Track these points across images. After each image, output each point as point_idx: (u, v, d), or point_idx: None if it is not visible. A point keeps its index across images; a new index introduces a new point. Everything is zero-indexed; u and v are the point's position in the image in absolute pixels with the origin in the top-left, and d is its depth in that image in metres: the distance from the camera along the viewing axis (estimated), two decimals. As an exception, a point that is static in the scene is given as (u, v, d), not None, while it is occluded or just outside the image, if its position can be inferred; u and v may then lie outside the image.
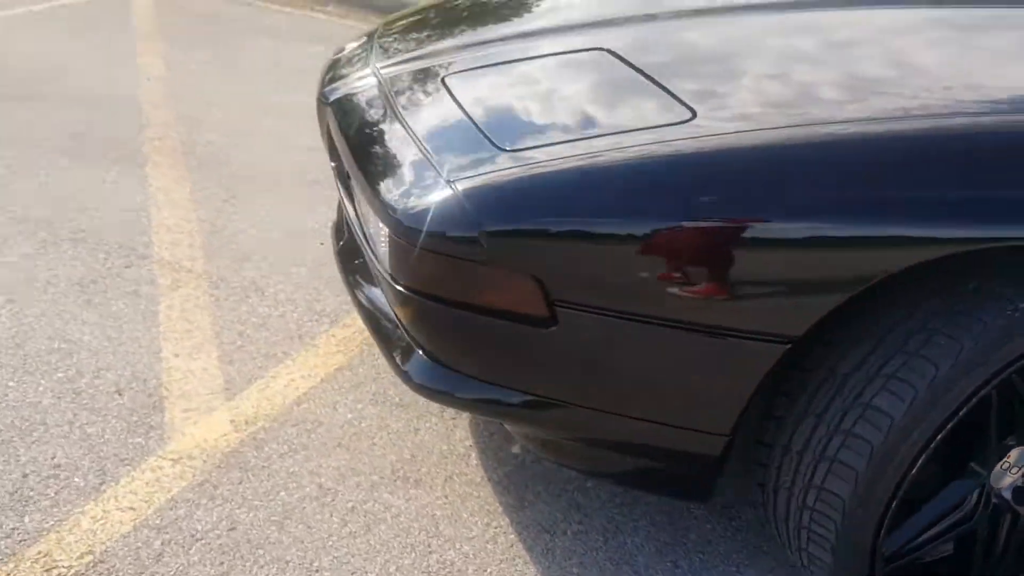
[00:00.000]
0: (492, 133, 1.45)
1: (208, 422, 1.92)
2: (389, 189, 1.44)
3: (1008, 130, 1.31)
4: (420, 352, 1.51)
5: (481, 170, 1.36)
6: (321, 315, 2.40)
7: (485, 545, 1.69)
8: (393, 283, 1.45)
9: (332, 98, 1.81)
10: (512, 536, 1.73)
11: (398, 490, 1.79)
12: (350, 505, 1.75)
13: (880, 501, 1.36)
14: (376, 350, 2.22)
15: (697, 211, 1.27)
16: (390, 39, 2.00)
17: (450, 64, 1.75)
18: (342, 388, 2.11)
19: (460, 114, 1.54)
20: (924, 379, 1.29)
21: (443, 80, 1.68)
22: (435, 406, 2.05)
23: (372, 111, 1.68)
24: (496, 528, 1.74)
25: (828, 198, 1.26)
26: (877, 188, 1.26)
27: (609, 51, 1.68)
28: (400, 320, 1.53)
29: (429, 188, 1.38)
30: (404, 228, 1.37)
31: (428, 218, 1.34)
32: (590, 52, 1.71)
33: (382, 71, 1.80)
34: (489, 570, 1.64)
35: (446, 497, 1.79)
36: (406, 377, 1.52)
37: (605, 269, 1.31)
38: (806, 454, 1.39)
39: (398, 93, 1.69)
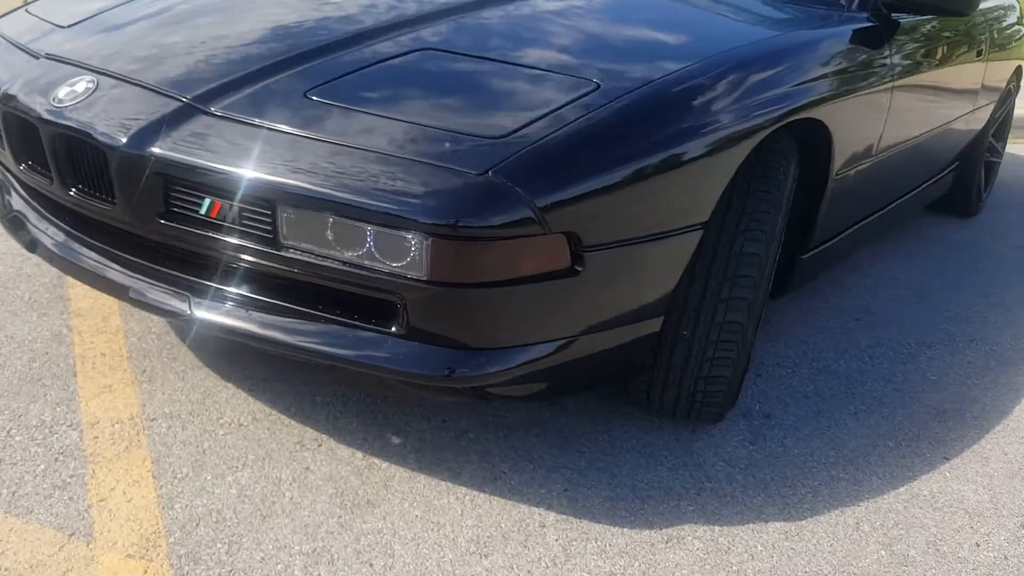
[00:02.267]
0: (467, 127, 1.57)
1: None
2: (415, 201, 1.47)
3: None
4: (463, 349, 1.59)
5: (502, 156, 1.51)
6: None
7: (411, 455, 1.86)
8: (435, 286, 1.50)
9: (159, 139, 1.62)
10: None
11: None
12: None
13: (758, 311, 1.99)
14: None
15: (661, 145, 1.67)
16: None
17: (289, 82, 1.72)
18: (188, 472, 1.90)
19: (407, 123, 1.59)
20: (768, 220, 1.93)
21: (309, 97, 1.67)
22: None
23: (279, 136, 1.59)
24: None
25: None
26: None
27: (423, 49, 1.86)
28: (437, 324, 1.57)
29: (469, 187, 1.47)
30: (454, 228, 1.45)
31: (482, 211, 1.46)
32: (415, 54, 1.85)
33: (218, 108, 1.67)
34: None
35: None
36: (454, 379, 1.58)
37: (625, 207, 1.62)
38: (705, 304, 1.92)
39: (278, 117, 1.62)
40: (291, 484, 1.83)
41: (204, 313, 1.66)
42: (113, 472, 1.80)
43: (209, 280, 1.69)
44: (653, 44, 2.01)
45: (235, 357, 2.26)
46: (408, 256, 1.49)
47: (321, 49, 1.81)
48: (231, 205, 1.57)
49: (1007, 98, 4.28)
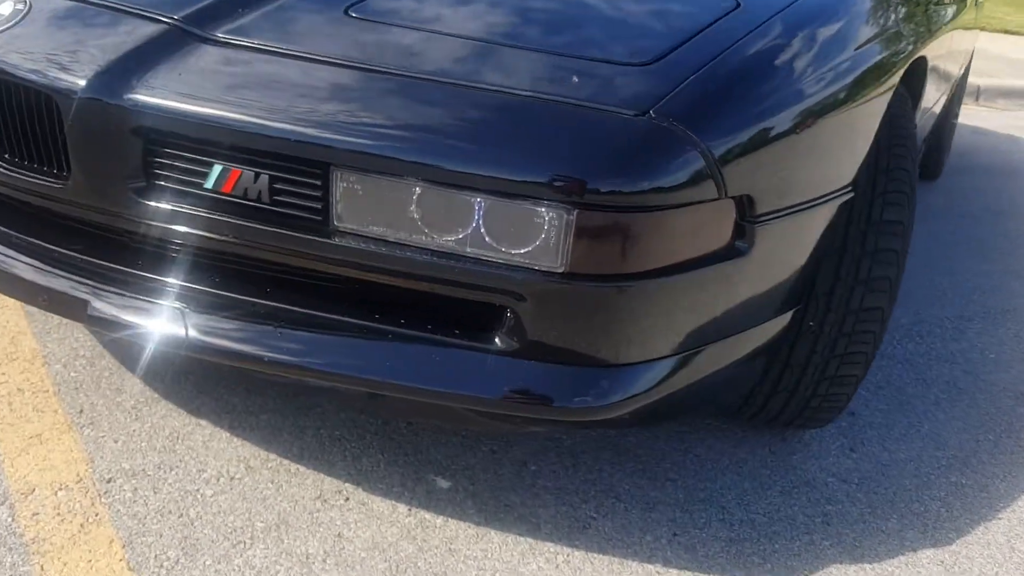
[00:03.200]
0: (598, 51, 1.11)
1: None
2: (535, 154, 1.01)
3: None
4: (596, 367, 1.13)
5: (663, 90, 1.06)
6: None
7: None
8: (574, 281, 1.04)
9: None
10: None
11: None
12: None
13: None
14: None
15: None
16: None
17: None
18: (178, 556, 1.37)
19: (509, 48, 1.12)
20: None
21: (351, 14, 1.16)
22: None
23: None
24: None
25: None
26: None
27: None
28: (566, 335, 1.11)
29: (627, 133, 1.02)
30: (607, 194, 0.99)
31: (652, 167, 1.01)
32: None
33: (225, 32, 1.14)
34: None
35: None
36: (590, 411, 1.13)
37: (793, 161, 1.20)
38: (838, 288, 1.53)
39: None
40: (324, 561, 1.33)
41: (208, 335, 1.14)
42: (70, 566, 1.25)
43: (215, 287, 1.17)
44: None
45: (202, 381, 1.72)
46: (537, 239, 1.02)
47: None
48: (256, 174, 1.06)
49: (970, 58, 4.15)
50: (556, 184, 0.99)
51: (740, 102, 1.12)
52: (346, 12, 1.17)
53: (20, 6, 1.17)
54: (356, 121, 1.02)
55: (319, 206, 1.06)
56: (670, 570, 1.42)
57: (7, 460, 1.45)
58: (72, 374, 1.72)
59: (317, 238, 1.07)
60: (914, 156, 1.58)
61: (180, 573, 1.27)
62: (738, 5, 1.29)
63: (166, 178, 1.09)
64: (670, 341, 1.20)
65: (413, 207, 1.03)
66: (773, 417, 1.71)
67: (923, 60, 1.78)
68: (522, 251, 1.03)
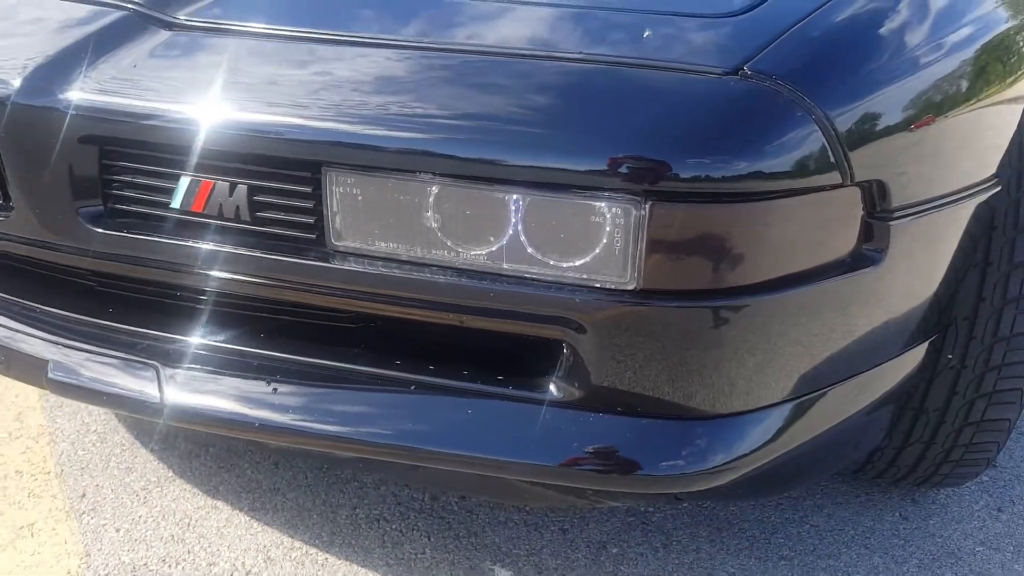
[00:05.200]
0: (677, 7, 0.86)
1: None
2: (587, 133, 0.75)
3: None
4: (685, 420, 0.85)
5: (761, 39, 0.79)
6: None
7: None
8: (650, 301, 0.77)
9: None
10: None
11: None
12: None
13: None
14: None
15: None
16: None
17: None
18: None
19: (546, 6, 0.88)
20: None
21: None
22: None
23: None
24: None
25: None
26: None
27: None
28: (642, 379, 0.83)
29: (710, 98, 0.75)
30: (693, 180, 0.72)
31: (749, 140, 0.74)
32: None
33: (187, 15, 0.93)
34: None
35: None
36: (680, 478, 0.83)
37: (934, 143, 0.91)
38: (982, 310, 1.22)
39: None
40: None
41: (188, 395, 0.90)
42: None
43: (194, 336, 0.93)
44: None
45: (224, 455, 1.48)
46: (597, 244, 0.75)
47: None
48: (232, 185, 0.82)
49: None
50: (619, 169, 0.72)
51: (863, 58, 0.84)
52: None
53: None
54: (351, 108, 0.78)
55: (311, 220, 0.81)
56: None
57: (-14, 558, 1.23)
58: (80, 452, 1.50)
59: (311, 262, 0.82)
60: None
61: None
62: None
63: (123, 199, 0.87)
64: (784, 382, 0.91)
65: (429, 212, 0.77)
66: (902, 476, 1.39)
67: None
68: (577, 263, 0.76)
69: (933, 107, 0.91)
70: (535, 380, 0.85)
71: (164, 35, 0.88)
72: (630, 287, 0.76)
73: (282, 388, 0.89)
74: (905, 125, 0.88)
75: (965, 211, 1.07)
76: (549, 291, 0.77)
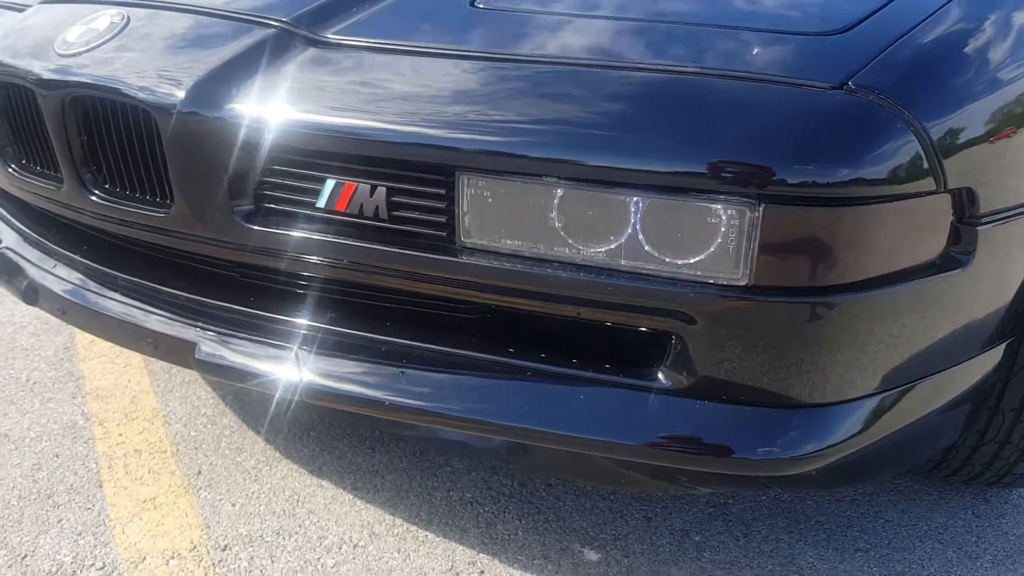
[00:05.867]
0: (773, 21, 0.93)
1: None
2: (702, 140, 0.82)
3: None
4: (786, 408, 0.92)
5: (865, 55, 0.85)
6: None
7: None
8: (761, 296, 0.84)
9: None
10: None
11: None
12: None
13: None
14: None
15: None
16: None
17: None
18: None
19: (666, 24, 0.95)
20: None
21: (478, 5, 1.02)
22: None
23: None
24: None
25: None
26: None
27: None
28: (748, 369, 0.90)
29: (818, 109, 0.82)
30: (802, 185, 0.79)
31: (852, 149, 0.80)
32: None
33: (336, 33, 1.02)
34: None
35: None
36: (774, 462, 0.90)
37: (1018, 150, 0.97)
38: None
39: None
40: (463, 646, 1.14)
41: (323, 378, 0.99)
42: (178, 647, 1.11)
43: (331, 323, 1.02)
44: None
45: (325, 439, 1.58)
46: (712, 243, 0.83)
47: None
48: (372, 188, 0.91)
49: None
50: (734, 173, 0.79)
51: (955, 73, 0.90)
52: (472, 4, 1.02)
53: (116, 20, 1.08)
54: (483, 118, 0.87)
55: (443, 219, 0.90)
56: None
57: (118, 526, 1.34)
58: (192, 433, 1.62)
59: (443, 257, 0.91)
60: None
61: (296, 656, 1.11)
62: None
63: (275, 199, 0.96)
64: (874, 376, 0.97)
65: (554, 213, 0.85)
66: (976, 474, 1.43)
67: None
68: (692, 260, 0.84)
69: (1016, 119, 0.97)
70: (643, 369, 0.93)
71: (311, 52, 0.97)
72: (742, 283, 0.83)
73: (408, 372, 0.98)
74: (991, 136, 0.93)
75: None
76: (664, 286, 0.85)
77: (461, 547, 1.33)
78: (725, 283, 0.84)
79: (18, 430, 1.60)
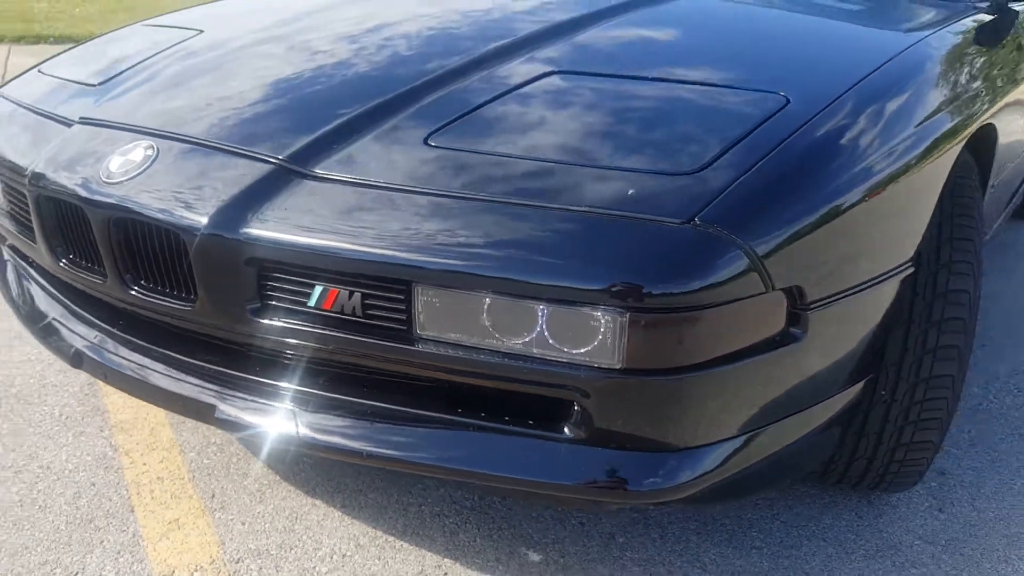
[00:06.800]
0: (646, 163, 1.24)
1: None
2: (599, 265, 1.13)
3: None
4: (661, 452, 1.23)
5: (705, 198, 1.17)
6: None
7: None
8: (631, 376, 1.15)
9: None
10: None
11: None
12: None
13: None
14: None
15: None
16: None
17: (401, 127, 1.37)
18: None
19: (565, 165, 1.26)
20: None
21: (431, 144, 1.33)
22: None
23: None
24: None
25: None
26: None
27: (557, 72, 1.53)
28: (630, 424, 1.21)
29: (671, 240, 1.13)
30: (657, 297, 1.10)
31: (697, 270, 1.11)
32: (546, 79, 1.51)
33: (321, 168, 1.32)
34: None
35: None
36: (659, 492, 1.22)
37: (846, 248, 1.29)
38: (907, 357, 1.58)
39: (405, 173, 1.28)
40: (428, 633, 1.45)
41: (315, 432, 1.30)
42: (206, 641, 1.42)
43: (321, 389, 1.33)
44: (830, 47, 1.69)
45: (318, 463, 1.89)
46: (595, 339, 1.14)
47: (432, 83, 1.48)
48: (350, 292, 1.22)
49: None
50: (609, 291, 1.10)
51: (785, 200, 1.21)
52: (425, 142, 1.33)
53: (149, 152, 1.38)
54: (433, 243, 1.17)
55: (404, 317, 1.20)
56: None
57: (149, 544, 1.65)
58: (205, 461, 1.92)
59: (403, 345, 1.21)
60: (979, 225, 1.62)
61: (299, 645, 1.42)
62: (788, 101, 1.39)
63: (276, 299, 1.27)
64: (734, 422, 1.29)
65: (484, 315, 1.16)
66: (856, 482, 1.75)
67: (991, 127, 1.81)
68: (583, 351, 1.15)
69: (844, 228, 1.29)
70: (556, 425, 1.24)
71: (304, 184, 1.27)
72: (618, 367, 1.15)
73: (380, 426, 1.29)
74: (819, 244, 1.25)
75: (887, 288, 1.44)
76: (563, 368, 1.16)
77: (430, 553, 1.64)
78: (606, 367, 1.15)
79: (58, 462, 1.90)
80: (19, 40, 7.17)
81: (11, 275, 1.87)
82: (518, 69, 1.53)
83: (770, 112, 1.35)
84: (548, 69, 1.53)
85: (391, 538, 1.68)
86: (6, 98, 1.83)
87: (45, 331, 1.65)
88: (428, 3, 2.00)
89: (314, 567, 1.60)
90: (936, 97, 1.52)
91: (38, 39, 7.15)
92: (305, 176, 1.29)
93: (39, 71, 1.97)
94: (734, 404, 1.26)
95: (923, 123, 1.46)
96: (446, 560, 1.63)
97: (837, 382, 1.46)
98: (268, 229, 1.24)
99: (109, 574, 1.56)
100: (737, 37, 1.79)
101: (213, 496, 1.80)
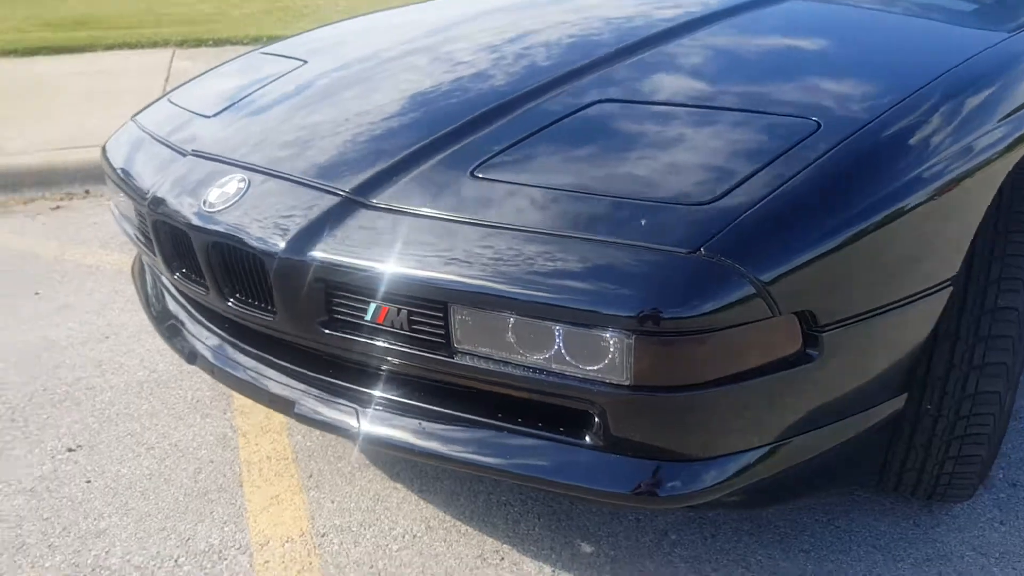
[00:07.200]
0: (666, 194, 1.35)
1: None
2: (609, 291, 1.24)
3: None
4: (674, 461, 1.34)
5: (713, 228, 1.26)
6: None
7: None
8: (639, 392, 1.27)
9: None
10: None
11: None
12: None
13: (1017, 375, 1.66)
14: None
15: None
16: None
17: (451, 160, 1.53)
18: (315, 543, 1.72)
19: (590, 196, 1.38)
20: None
21: (476, 175, 1.48)
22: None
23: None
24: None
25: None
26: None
27: (607, 100, 1.65)
28: (642, 435, 1.33)
29: (676, 269, 1.23)
30: (660, 321, 1.21)
31: (695, 298, 1.21)
32: (590, 108, 1.63)
33: (380, 200, 1.49)
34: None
35: None
36: (670, 500, 1.33)
37: (867, 273, 1.35)
38: (952, 373, 1.60)
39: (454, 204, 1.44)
40: (477, 611, 1.62)
41: (373, 427, 1.49)
42: (287, 604, 1.64)
43: (378, 391, 1.51)
44: (866, 68, 1.72)
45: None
46: (605, 358, 1.26)
47: (483, 117, 1.62)
48: (398, 310, 1.39)
49: None
50: (615, 315, 1.22)
51: (797, 229, 1.28)
52: (470, 174, 1.48)
53: (242, 185, 1.60)
54: (466, 268, 1.32)
55: (442, 332, 1.36)
56: None
57: (251, 517, 1.89)
58: (308, 443, 2.16)
59: (444, 356, 1.37)
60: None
61: (366, 613, 1.62)
62: (819, 127, 1.45)
63: (340, 313, 1.45)
64: (756, 435, 1.37)
65: (509, 333, 1.30)
66: (911, 491, 1.77)
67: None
68: (595, 368, 1.27)
69: (858, 256, 1.34)
70: (583, 432, 1.37)
71: (364, 213, 1.45)
72: (626, 383, 1.26)
73: (427, 426, 1.45)
74: (830, 272, 1.31)
75: (920, 308, 1.47)
76: (579, 383, 1.28)
77: (491, 539, 1.81)
78: (616, 383, 1.26)
79: (185, 441, 2.19)
80: (182, 44, 7.76)
81: (148, 278, 2.17)
82: (565, 97, 1.65)
83: (795, 140, 1.41)
84: (591, 99, 1.65)
85: (458, 522, 1.86)
86: (138, 125, 2.11)
87: (169, 331, 1.92)
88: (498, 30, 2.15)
89: (387, 545, 1.80)
90: (969, 131, 1.52)
91: (199, 43, 7.73)
92: (365, 206, 1.47)
93: (168, 100, 2.24)
94: (753, 418, 1.35)
95: (958, 150, 1.48)
96: (505, 546, 1.78)
97: (872, 396, 1.51)
98: (331, 253, 1.42)
99: (215, 541, 1.82)
100: (787, 53, 1.84)
101: (311, 476, 2.03)
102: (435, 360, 1.39)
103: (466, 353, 1.36)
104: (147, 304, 2.08)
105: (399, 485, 1.99)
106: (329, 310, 1.46)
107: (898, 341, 1.47)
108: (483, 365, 1.35)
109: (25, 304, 3.04)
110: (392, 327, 1.41)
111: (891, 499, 1.91)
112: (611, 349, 1.25)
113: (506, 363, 1.33)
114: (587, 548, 1.78)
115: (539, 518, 1.87)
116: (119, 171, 1.98)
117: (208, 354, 1.76)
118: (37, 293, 3.14)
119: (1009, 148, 1.53)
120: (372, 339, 1.43)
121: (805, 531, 1.83)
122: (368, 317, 1.42)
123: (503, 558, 1.75)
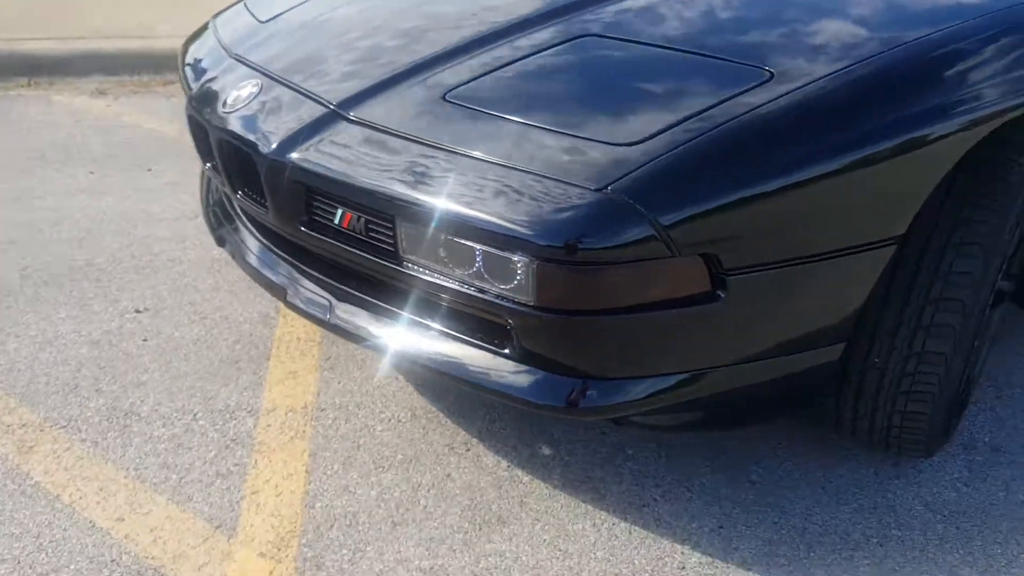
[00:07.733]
0: (600, 133, 1.43)
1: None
2: (520, 218, 1.36)
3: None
4: (582, 378, 1.47)
5: (625, 169, 1.35)
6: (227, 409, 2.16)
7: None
8: (544, 312, 1.39)
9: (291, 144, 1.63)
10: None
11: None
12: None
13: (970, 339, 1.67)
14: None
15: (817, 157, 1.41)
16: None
17: (433, 80, 1.66)
18: (338, 469, 1.95)
19: (536, 128, 1.48)
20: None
21: (447, 100, 1.60)
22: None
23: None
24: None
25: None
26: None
27: (593, 35, 1.72)
28: (550, 351, 1.47)
29: (581, 204, 1.33)
30: (570, 250, 1.32)
31: (596, 232, 1.32)
32: (572, 42, 1.71)
33: (356, 114, 1.64)
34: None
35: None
36: (574, 411, 1.47)
37: (773, 225, 1.40)
38: (901, 330, 1.62)
39: (410, 120, 1.57)
40: (428, 491, 1.82)
41: (341, 318, 1.68)
42: (272, 464, 1.90)
43: (348, 287, 1.70)
44: (849, 20, 1.70)
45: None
46: (515, 279, 1.39)
47: (476, 41, 1.73)
48: (358, 217, 1.55)
49: None
50: (524, 241, 1.33)
51: (707, 179, 1.34)
52: (443, 98, 1.60)
53: (254, 89, 1.78)
54: (408, 186, 1.46)
55: (392, 242, 1.52)
56: (696, 552, 1.68)
57: (268, 387, 2.16)
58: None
59: (394, 264, 1.53)
60: (1004, 209, 1.58)
61: (335, 480, 1.85)
62: (771, 76, 1.48)
63: (315, 214, 1.63)
64: (666, 362, 1.48)
65: (441, 248, 1.45)
66: (866, 439, 1.81)
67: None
68: (506, 287, 1.40)
69: (773, 207, 1.39)
70: (504, 344, 1.51)
71: (343, 125, 1.61)
72: (531, 304, 1.38)
73: (386, 322, 1.64)
74: (740, 218, 1.36)
75: (868, 261, 1.51)
76: (497, 300, 1.42)
77: (464, 432, 1.99)
78: (523, 302, 1.39)
79: (235, 315, 2.47)
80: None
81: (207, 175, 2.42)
82: (556, 30, 1.73)
83: (740, 89, 1.45)
84: (578, 32, 1.72)
85: (441, 415, 2.05)
86: (212, 26, 2.33)
87: (209, 215, 2.18)
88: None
89: (373, 426, 2.02)
90: (943, 91, 1.50)
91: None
92: (345, 119, 1.62)
93: (244, 3, 2.44)
94: (660, 346, 1.45)
95: (925, 111, 1.47)
96: (474, 439, 1.97)
97: (803, 341, 1.57)
98: (310, 158, 1.59)
99: (232, 402, 2.09)
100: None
101: (328, 358, 2.27)
102: (387, 268, 1.55)
103: (411, 263, 1.52)
104: (203, 194, 2.34)
105: (401, 376, 2.19)
106: (308, 211, 1.64)
107: (828, 293, 1.52)
108: (424, 276, 1.50)
109: (137, 178, 3.41)
110: (353, 231, 1.58)
111: (863, 450, 1.95)
112: (519, 271, 1.37)
113: (440, 275, 1.48)
114: (546, 451, 1.94)
115: (513, 421, 2.03)
116: (185, 67, 2.21)
117: (229, 237, 2.00)
118: (150, 169, 3.51)
119: (965, 128, 1.51)
120: (339, 242, 1.61)
121: (761, 464, 1.91)
122: (336, 221, 1.60)
123: (469, 449, 1.94)
